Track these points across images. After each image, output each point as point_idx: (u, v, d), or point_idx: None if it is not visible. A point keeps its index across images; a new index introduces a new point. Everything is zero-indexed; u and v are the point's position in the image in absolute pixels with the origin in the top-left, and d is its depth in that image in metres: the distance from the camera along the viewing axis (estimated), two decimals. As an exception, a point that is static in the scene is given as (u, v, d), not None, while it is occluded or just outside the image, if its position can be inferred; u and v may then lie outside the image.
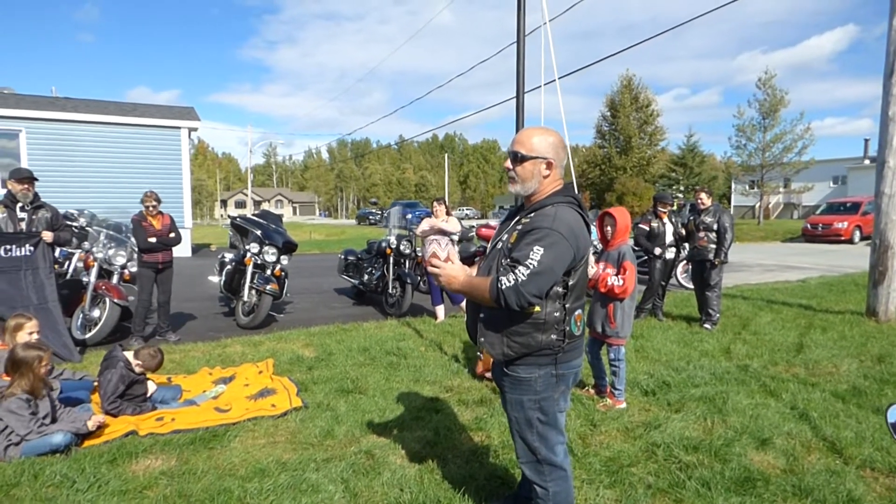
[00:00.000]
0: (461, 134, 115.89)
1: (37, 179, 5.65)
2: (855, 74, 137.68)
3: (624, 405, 4.14)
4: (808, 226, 22.74)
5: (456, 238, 7.29)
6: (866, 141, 35.99)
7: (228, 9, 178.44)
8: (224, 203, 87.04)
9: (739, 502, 2.78)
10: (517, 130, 4.20)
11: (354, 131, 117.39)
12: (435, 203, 7.36)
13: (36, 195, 5.63)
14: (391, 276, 8.08)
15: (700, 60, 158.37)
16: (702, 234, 6.83)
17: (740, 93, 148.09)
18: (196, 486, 2.99)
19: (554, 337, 2.08)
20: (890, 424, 1.29)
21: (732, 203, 39.81)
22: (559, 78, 4.87)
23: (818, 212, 24.66)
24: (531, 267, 1.93)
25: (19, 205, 5.51)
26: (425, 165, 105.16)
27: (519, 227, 2.11)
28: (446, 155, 76.51)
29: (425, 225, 7.24)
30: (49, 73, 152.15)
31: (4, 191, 5.79)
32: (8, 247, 5.29)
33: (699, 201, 6.96)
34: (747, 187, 33.51)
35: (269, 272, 7.27)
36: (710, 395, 4.27)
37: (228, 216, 9.10)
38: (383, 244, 8.41)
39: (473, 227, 11.50)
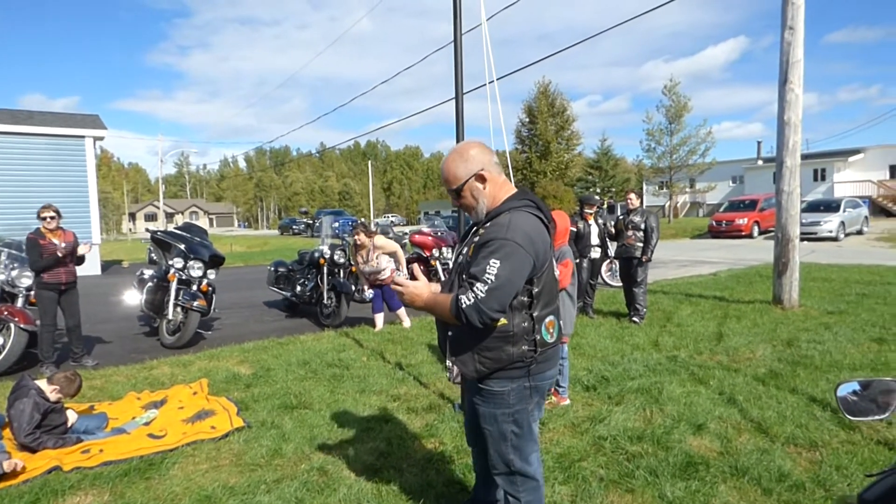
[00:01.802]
0: (384, 141, 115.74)
1: None
2: (747, 81, 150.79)
3: (568, 402, 4.27)
4: (714, 223, 24.50)
5: (400, 253, 7.22)
6: (759, 143, 39.46)
7: (137, 12, 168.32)
8: (133, 216, 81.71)
9: (685, 487, 2.93)
10: (457, 132, 4.23)
11: (276, 139, 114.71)
12: (355, 235, 7.16)
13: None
14: (326, 287, 7.90)
15: (610, 68, 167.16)
16: (630, 232, 7.20)
17: (647, 99, 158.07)
18: (135, 521, 2.78)
19: (525, 348, 2.02)
20: (839, 399, 1.41)
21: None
22: (497, 79, 4.97)
23: (721, 209, 26.66)
24: (489, 282, 1.87)
25: None
26: (348, 173, 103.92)
27: (476, 238, 2.05)
28: (370, 162, 75.81)
29: (367, 266, 7.05)
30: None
31: None
32: None
33: (628, 201, 7.34)
34: (657, 188, 35.67)
35: (195, 287, 6.89)
36: (647, 387, 4.50)
37: (147, 230, 8.55)
38: (316, 254, 8.21)
39: (406, 234, 11.49)
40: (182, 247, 7.11)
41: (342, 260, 8.10)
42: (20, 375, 4.00)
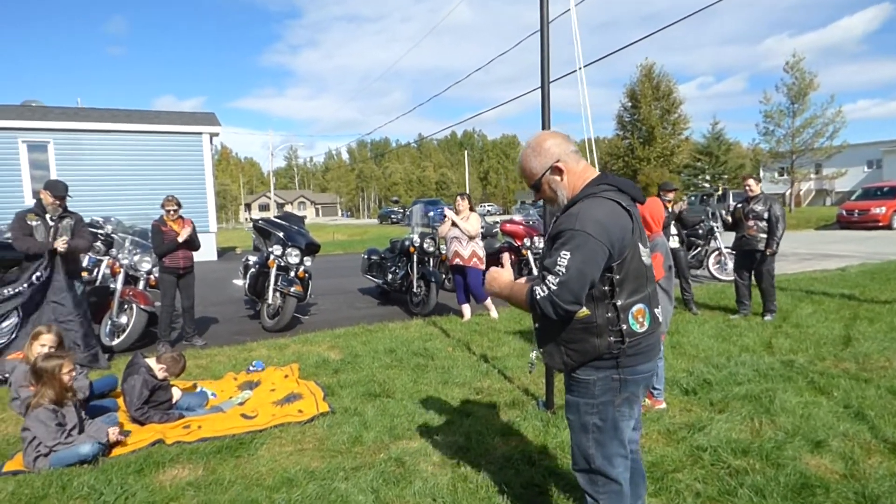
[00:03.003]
0: (480, 130, 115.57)
1: (70, 196, 5.68)
2: (889, 54, 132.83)
3: (664, 405, 3.95)
4: (844, 212, 21.98)
5: (478, 239, 7.12)
6: (902, 122, 34.71)
7: (252, 15, 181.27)
8: (248, 207, 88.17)
9: (799, 511, 2.58)
10: (543, 121, 4.00)
11: (374, 130, 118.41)
12: (458, 197, 7.23)
13: (63, 206, 5.65)
14: (415, 275, 7.96)
15: (724, 47, 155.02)
16: (751, 223, 6.55)
17: (766, 78, 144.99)
18: (223, 496, 2.90)
19: (612, 339, 1.91)
20: None
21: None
22: (591, 63, 4.68)
23: (853, 197, 23.83)
24: (559, 274, 1.82)
25: (48, 215, 5.53)
26: (445, 163, 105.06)
27: (551, 231, 2.02)
28: (466, 152, 76.20)
29: (446, 224, 7.10)
30: (74, 84, 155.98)
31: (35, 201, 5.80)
32: (26, 282, 5.24)
33: (747, 188, 6.68)
34: (777, 174, 32.54)
35: (292, 274, 7.21)
36: (756, 394, 4.05)
37: (251, 219, 9.09)
38: (406, 243, 8.30)
39: (497, 222, 11.33)
40: (281, 235, 7.46)
41: (432, 248, 8.12)
42: (134, 353, 4.36)
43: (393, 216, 44.77)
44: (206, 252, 15.15)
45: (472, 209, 7.18)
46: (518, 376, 4.71)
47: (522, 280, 2.10)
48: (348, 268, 13.73)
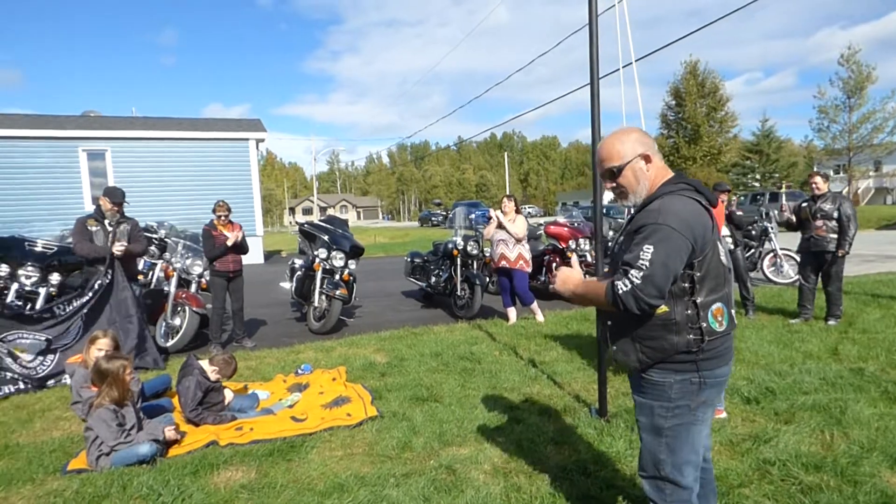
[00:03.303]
0: (520, 132, 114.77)
1: (127, 202, 5.89)
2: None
3: (725, 415, 3.76)
4: (909, 210, 20.78)
5: (525, 241, 7.01)
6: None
7: (295, 24, 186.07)
8: (292, 210, 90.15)
9: (883, 534, 2.39)
10: (592, 119, 3.89)
11: (413, 134, 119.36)
12: (504, 199, 7.14)
13: (121, 211, 5.86)
14: (459, 278, 7.91)
15: (772, 41, 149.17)
16: (819, 222, 6.21)
17: (818, 73, 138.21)
18: (276, 501, 2.91)
19: (691, 337, 1.87)
20: None
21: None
22: (636, 61, 4.52)
23: (919, 195, 22.49)
24: (643, 268, 1.79)
25: (106, 220, 5.75)
26: (485, 165, 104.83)
27: (629, 226, 1.98)
28: (505, 153, 75.78)
29: (491, 226, 7.04)
30: (130, 94, 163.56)
31: (94, 206, 6.04)
32: (91, 290, 5.47)
33: (814, 186, 6.34)
34: (832, 172, 31.07)
35: (337, 277, 7.28)
36: (824, 404, 3.81)
37: (296, 222, 9.23)
38: (450, 245, 8.26)
39: (541, 224, 11.17)
40: (326, 238, 7.54)
41: (475, 251, 8.05)
42: (188, 355, 4.45)
43: (434, 219, 44.91)
44: (254, 255, 15.51)
45: (518, 211, 7.09)
46: (568, 382, 4.59)
47: (593, 279, 2.07)
48: (391, 270, 13.80)
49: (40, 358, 5.12)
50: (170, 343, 6.31)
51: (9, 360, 4.91)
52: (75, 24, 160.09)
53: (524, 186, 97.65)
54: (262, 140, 17.61)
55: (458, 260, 7.95)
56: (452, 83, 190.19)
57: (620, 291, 1.82)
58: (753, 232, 9.52)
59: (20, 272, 6.19)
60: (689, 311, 1.88)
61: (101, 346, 3.87)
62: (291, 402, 4.31)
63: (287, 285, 8.36)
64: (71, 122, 16.41)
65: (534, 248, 9.11)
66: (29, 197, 14.55)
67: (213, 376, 4.13)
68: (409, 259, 9.71)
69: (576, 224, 9.37)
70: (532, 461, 3.22)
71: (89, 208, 14.13)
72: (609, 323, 2.05)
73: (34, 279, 6.19)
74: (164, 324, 6.45)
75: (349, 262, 7.48)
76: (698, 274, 1.87)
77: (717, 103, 38.99)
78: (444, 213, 42.21)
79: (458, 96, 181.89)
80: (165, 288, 6.67)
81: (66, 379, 5.05)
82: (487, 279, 8.88)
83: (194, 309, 6.38)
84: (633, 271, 1.81)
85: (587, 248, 8.60)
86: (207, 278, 6.73)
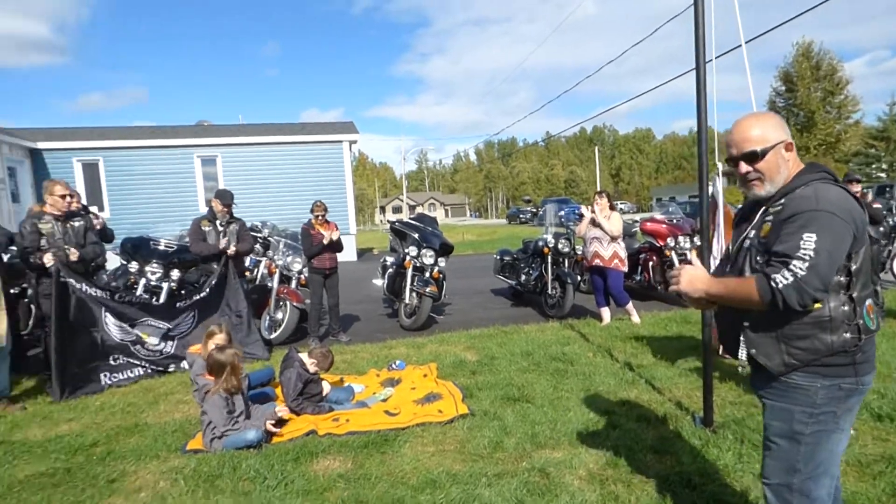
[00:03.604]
0: (611, 125, 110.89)
1: (236, 204, 6.35)
2: None
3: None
4: None
5: (620, 239, 6.73)
6: None
7: (385, 29, 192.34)
8: (382, 209, 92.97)
9: None
10: (699, 107, 3.63)
11: (501, 131, 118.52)
12: (596, 195, 6.91)
13: (230, 212, 6.32)
14: (550, 276, 7.75)
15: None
16: None
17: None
18: (370, 492, 2.98)
19: (847, 336, 1.71)
20: None
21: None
22: (745, 43, 4.17)
23: None
24: (807, 258, 1.62)
25: (217, 220, 6.21)
26: (574, 160, 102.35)
27: (769, 217, 1.81)
28: (596, 148, 73.41)
29: (584, 223, 6.82)
30: (237, 103, 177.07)
31: (207, 208, 6.55)
32: (209, 286, 5.98)
33: None
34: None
35: (427, 274, 7.38)
36: (977, 424, 3.33)
37: (387, 221, 9.46)
38: (540, 243, 8.11)
39: (636, 221, 10.69)
40: (416, 236, 7.67)
41: (567, 249, 7.85)
42: (289, 347, 4.69)
43: (522, 216, 44.49)
44: (348, 253, 16.14)
45: (612, 207, 6.82)
46: (668, 388, 4.35)
47: (730, 277, 1.89)
48: (479, 268, 13.82)
49: (162, 343, 5.63)
50: (273, 335, 6.70)
51: (137, 347, 5.43)
52: (191, 44, 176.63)
53: (616, 182, 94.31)
54: (355, 141, 18.26)
55: (549, 258, 7.79)
56: (540, 79, 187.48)
57: (780, 285, 1.63)
58: (882, 229, 8.53)
59: (147, 269, 6.84)
60: (846, 307, 1.71)
61: (217, 341, 4.16)
62: (385, 397, 4.41)
63: (379, 282, 8.60)
64: (187, 132, 17.91)
65: (628, 245, 8.74)
66: (153, 201, 16.05)
67: (311, 368, 4.32)
68: (498, 257, 9.66)
69: (675, 220, 8.86)
70: (630, 469, 3.07)
71: (203, 210, 15.35)
72: (746, 323, 1.85)
73: (158, 275, 6.81)
74: (267, 317, 6.85)
75: (439, 259, 7.56)
76: (855, 266, 1.71)
77: (834, 87, 35.46)
78: (534, 210, 41.67)
79: (545, 92, 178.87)
80: (269, 284, 7.08)
81: (185, 364, 5.52)
82: (579, 278, 8.64)
83: (294, 304, 6.73)
84: (795, 262, 1.63)
85: (687, 245, 8.11)
86: (306, 275, 7.06)
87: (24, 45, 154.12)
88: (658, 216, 9.18)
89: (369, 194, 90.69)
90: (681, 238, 8.21)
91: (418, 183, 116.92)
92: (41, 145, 15.42)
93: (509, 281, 9.12)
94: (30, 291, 5.86)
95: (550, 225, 8.61)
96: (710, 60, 3.79)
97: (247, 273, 7.35)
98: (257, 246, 8.25)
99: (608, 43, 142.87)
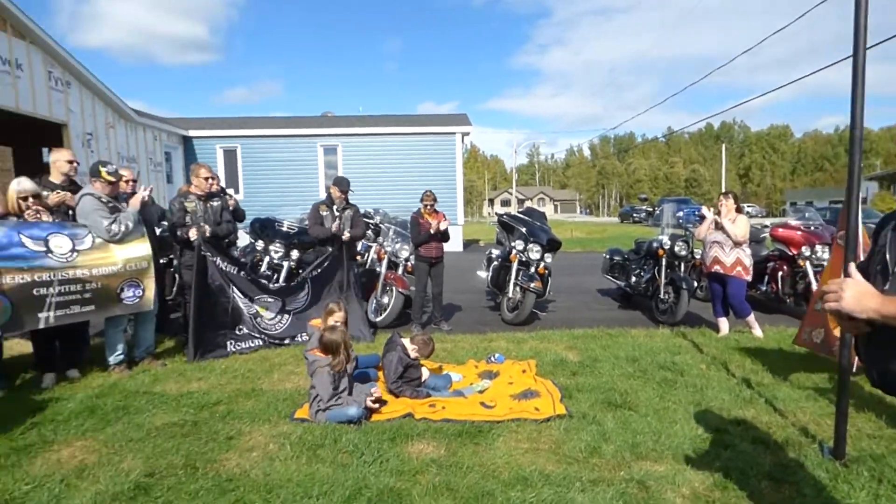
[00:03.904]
0: (741, 121, 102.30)
1: (352, 191, 6.68)
2: None
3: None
4: None
5: (745, 245, 6.18)
6: None
7: (504, 21, 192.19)
8: (491, 202, 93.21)
9: None
10: (854, 101, 3.20)
11: (618, 126, 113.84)
12: (721, 197, 6.40)
13: (346, 199, 6.65)
14: (663, 280, 7.32)
15: None
16: None
17: None
18: (462, 481, 3.00)
19: None
20: None
21: None
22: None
23: None
24: None
25: (334, 206, 6.56)
26: (697, 158, 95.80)
27: None
28: (723, 145, 68.04)
29: (705, 225, 6.34)
30: (359, 95, 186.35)
31: (325, 194, 6.94)
32: (319, 266, 6.38)
33: None
34: None
35: (533, 269, 7.28)
36: None
37: (496, 214, 9.45)
38: (654, 244, 7.69)
39: (766, 226, 9.77)
40: (523, 230, 7.58)
41: (684, 252, 7.36)
42: (392, 331, 4.85)
43: (635, 215, 42.50)
44: (454, 243, 16.36)
45: (738, 210, 6.28)
46: (792, 411, 3.93)
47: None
48: (587, 266, 13.41)
49: (278, 318, 6.06)
50: (378, 319, 6.97)
51: (257, 321, 5.90)
52: (321, 40, 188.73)
53: (744, 182, 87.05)
54: (468, 134, 18.43)
55: (664, 260, 7.36)
56: (663, 71, 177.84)
57: None
58: None
59: (271, 248, 7.40)
60: None
61: (336, 319, 4.41)
62: (482, 388, 4.42)
63: (483, 274, 8.63)
64: (312, 122, 19.11)
65: (754, 252, 8.01)
66: (280, 185, 17.36)
67: (412, 354, 4.44)
68: (608, 256, 9.29)
69: (812, 227, 7.97)
70: (742, 494, 2.82)
71: (322, 195, 16.32)
72: None
73: (280, 254, 7.35)
74: (374, 301, 7.14)
75: (545, 255, 7.43)
76: None
77: None
78: (649, 210, 39.61)
79: (669, 85, 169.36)
80: (377, 269, 7.37)
81: (300, 338, 5.93)
82: (696, 284, 8.08)
83: (400, 290, 6.95)
84: None
85: (826, 255, 7.26)
86: (413, 262, 7.26)
87: (185, 46, 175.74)
88: (792, 222, 8.30)
89: (478, 186, 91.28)
90: (818, 247, 7.38)
91: (528, 177, 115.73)
92: (191, 133, 17.31)
93: (618, 282, 8.74)
94: (175, 262, 6.59)
95: (667, 225, 8.12)
96: (876, 45, 3.34)
97: (357, 257, 7.71)
98: (368, 231, 8.61)
99: (742, 31, 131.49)
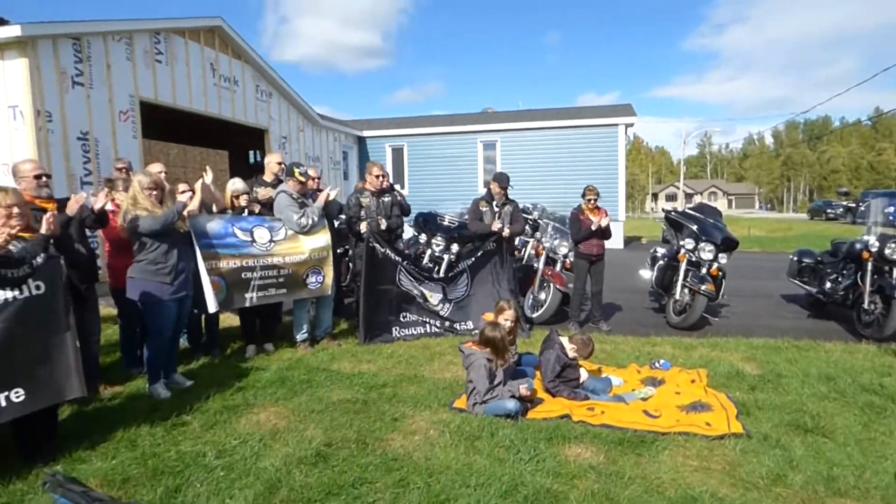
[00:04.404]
0: None
1: (512, 186, 6.74)
2: None
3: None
4: None
5: None
6: None
7: (674, 2, 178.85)
8: (655, 196, 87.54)
9: None
10: None
11: (810, 109, 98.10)
12: None
13: (506, 194, 6.71)
14: (869, 287, 6.26)
15: None
16: None
17: None
18: (622, 492, 2.87)
19: None
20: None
21: None
22: None
23: None
24: None
25: (494, 202, 6.67)
26: (916, 143, 79.99)
27: None
28: (958, 126, 55.96)
29: None
30: (518, 90, 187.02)
31: (485, 190, 7.07)
32: (485, 254, 6.53)
33: None
34: None
35: (704, 270, 6.70)
36: None
37: (663, 210, 8.85)
38: (858, 245, 6.60)
39: None
40: (694, 228, 7.01)
41: (897, 256, 6.21)
42: (550, 329, 4.79)
43: (830, 211, 36.87)
44: (614, 240, 15.61)
45: None
46: None
47: None
48: (768, 269, 11.99)
49: (441, 305, 6.34)
50: (535, 315, 6.94)
51: (425, 304, 6.23)
52: (482, 39, 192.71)
53: None
54: (631, 125, 17.49)
55: (870, 264, 6.28)
56: (867, 43, 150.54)
57: None
58: None
59: (433, 241, 7.76)
60: None
61: (506, 316, 4.50)
62: (645, 395, 4.18)
63: (647, 274, 8.14)
64: (472, 119, 19.58)
65: None
66: (442, 180, 18.13)
67: (570, 353, 4.35)
68: (795, 258, 8.20)
69: None
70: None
71: (480, 190, 16.68)
72: None
73: (441, 247, 7.67)
74: (531, 296, 7.12)
75: (719, 255, 6.80)
76: None
77: None
78: (850, 205, 34.07)
79: (874, 59, 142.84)
80: (535, 264, 7.33)
81: (459, 326, 6.17)
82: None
83: (557, 286, 6.84)
84: None
85: None
86: (572, 259, 7.10)
87: (361, 53, 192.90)
88: None
89: (641, 180, 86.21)
90: None
91: (698, 169, 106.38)
92: (365, 133, 18.86)
93: (808, 287, 7.67)
94: (350, 252, 7.23)
95: (875, 224, 6.90)
96: None
97: (515, 252, 7.74)
98: (527, 227, 8.60)
99: None
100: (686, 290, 6.71)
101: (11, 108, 8.14)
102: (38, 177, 3.95)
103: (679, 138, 49.61)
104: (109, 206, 4.39)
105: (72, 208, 4.03)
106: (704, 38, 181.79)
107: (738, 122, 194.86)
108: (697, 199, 73.64)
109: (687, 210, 7.88)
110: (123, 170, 5.96)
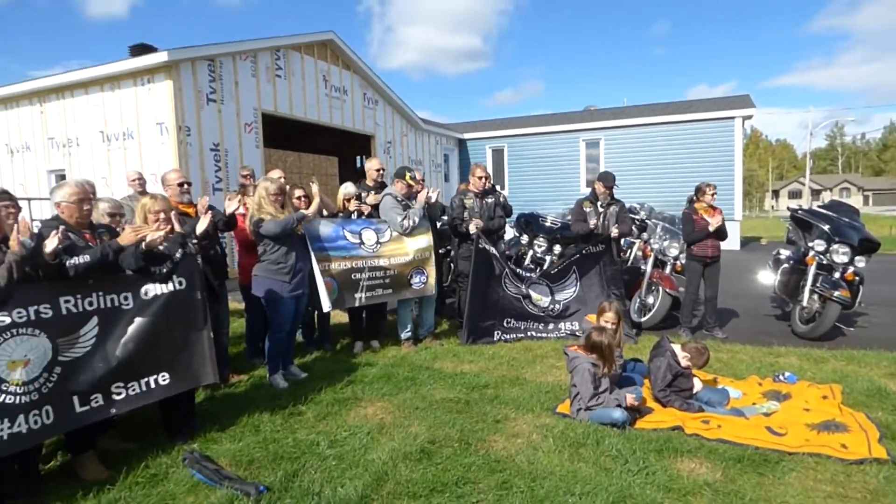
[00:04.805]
0: None
1: (617, 186, 6.53)
2: None
3: None
4: None
5: None
6: None
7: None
8: (776, 194, 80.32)
9: None
10: None
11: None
12: None
13: (611, 194, 6.50)
14: None
15: None
16: None
17: None
18: (743, 513, 2.68)
19: None
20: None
21: None
22: None
23: None
24: None
25: (598, 202, 6.48)
26: None
27: None
28: None
29: None
30: (622, 86, 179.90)
31: (589, 190, 6.89)
32: (592, 255, 6.38)
33: None
34: None
35: (837, 275, 6.05)
36: None
37: (788, 208, 8.11)
38: None
39: None
40: (825, 228, 6.35)
41: None
42: (661, 336, 4.57)
43: None
44: (730, 241, 14.54)
45: None
46: None
47: None
48: (917, 274, 10.58)
49: (551, 305, 6.29)
50: (642, 319, 6.65)
51: (531, 306, 6.19)
52: (583, 35, 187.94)
53: None
54: (750, 117, 16.17)
55: None
56: None
57: None
58: None
59: (535, 242, 7.69)
60: None
61: (606, 319, 4.39)
62: (768, 410, 3.86)
63: (768, 278, 7.50)
64: (574, 118, 19.13)
65: None
66: (543, 180, 17.92)
67: (683, 362, 4.12)
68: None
69: None
70: None
71: (583, 190, 16.25)
72: None
73: (543, 248, 7.58)
74: (637, 300, 6.82)
75: (856, 258, 6.10)
76: None
77: None
78: None
79: None
80: (642, 267, 7.02)
81: (563, 326, 6.06)
82: None
83: (667, 290, 6.49)
84: None
85: None
86: (683, 261, 6.71)
87: (462, 56, 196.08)
88: None
89: (759, 176, 79.33)
90: None
91: (827, 163, 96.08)
92: (465, 136, 19.10)
93: (970, 297, 6.68)
94: (452, 252, 7.36)
95: None
96: None
97: (621, 254, 7.46)
98: (633, 228, 8.26)
99: None
100: (816, 297, 6.10)
101: (159, 125, 9.23)
102: (181, 184, 4.48)
103: (804, 130, 45.15)
104: (241, 210, 4.81)
105: (201, 211, 4.48)
106: (834, 17, 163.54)
107: (877, 110, 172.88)
108: (827, 195, 66.46)
109: (817, 208, 7.15)
110: (248, 176, 6.49)
